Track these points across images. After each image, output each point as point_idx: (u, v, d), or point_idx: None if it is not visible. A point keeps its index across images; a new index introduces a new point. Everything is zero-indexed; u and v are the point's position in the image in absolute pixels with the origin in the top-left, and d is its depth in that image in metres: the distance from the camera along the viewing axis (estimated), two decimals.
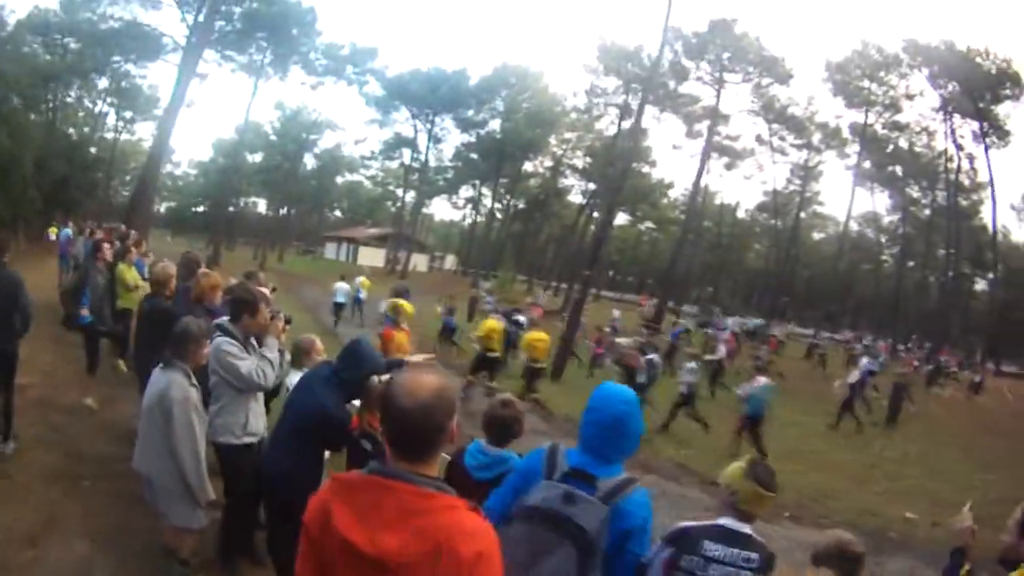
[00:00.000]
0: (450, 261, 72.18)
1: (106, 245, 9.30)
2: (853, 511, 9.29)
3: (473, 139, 55.75)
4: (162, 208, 69.24)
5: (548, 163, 58.65)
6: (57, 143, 29.58)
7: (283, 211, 67.65)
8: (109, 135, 53.19)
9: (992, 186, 37.65)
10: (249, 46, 37.83)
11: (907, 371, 22.08)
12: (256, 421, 4.15)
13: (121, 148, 56.67)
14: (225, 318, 4.27)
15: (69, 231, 17.74)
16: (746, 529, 2.54)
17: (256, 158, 60.76)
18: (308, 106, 57.00)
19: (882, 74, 39.95)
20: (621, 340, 18.11)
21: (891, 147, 42.41)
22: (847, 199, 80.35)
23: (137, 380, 5.90)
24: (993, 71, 34.89)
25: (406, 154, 57.76)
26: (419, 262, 59.56)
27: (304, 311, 19.82)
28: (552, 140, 55.24)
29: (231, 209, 55.79)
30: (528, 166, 58.70)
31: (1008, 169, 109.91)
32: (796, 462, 12.05)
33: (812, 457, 12.81)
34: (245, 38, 36.86)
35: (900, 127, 41.53)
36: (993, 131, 36.46)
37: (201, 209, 68.39)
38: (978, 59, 35.13)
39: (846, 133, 44.08)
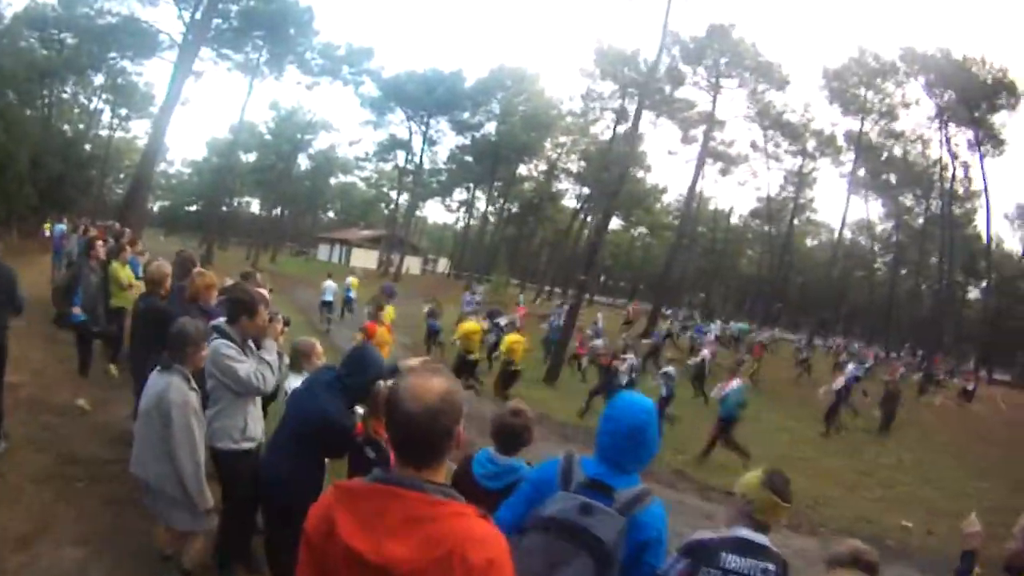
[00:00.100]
0: (443, 264, 72.04)
1: (100, 243, 9.20)
2: (849, 519, 9.30)
3: (468, 142, 55.65)
4: (155, 207, 69.05)
5: (543, 167, 58.65)
6: (52, 140, 29.40)
7: (276, 212, 67.50)
8: (104, 132, 53.07)
9: (987, 195, 37.76)
10: (245, 44, 37.59)
11: (891, 378, 22.23)
12: (255, 425, 4.07)
13: (116, 146, 56.44)
14: (222, 319, 4.18)
15: (63, 227, 17.62)
16: (762, 539, 2.53)
17: (250, 158, 60.50)
18: (303, 106, 57.03)
19: (879, 82, 39.99)
20: (597, 342, 18.29)
21: (886, 155, 42.51)
22: (841, 206, 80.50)
23: (132, 381, 5.81)
24: (989, 80, 34.94)
25: (400, 156, 57.61)
26: (412, 265, 59.51)
27: (297, 312, 19.73)
28: (547, 144, 55.21)
29: (224, 209, 55.58)
30: (523, 169, 58.68)
31: (1002, 178, 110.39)
32: (789, 469, 11.85)
33: (805, 464, 12.83)
34: (242, 36, 36.59)
35: (895, 135, 41.62)
36: (988, 140, 36.52)
37: (194, 208, 68.32)
38: (974, 68, 35.15)
39: (841, 140, 44.16)
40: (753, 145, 47.68)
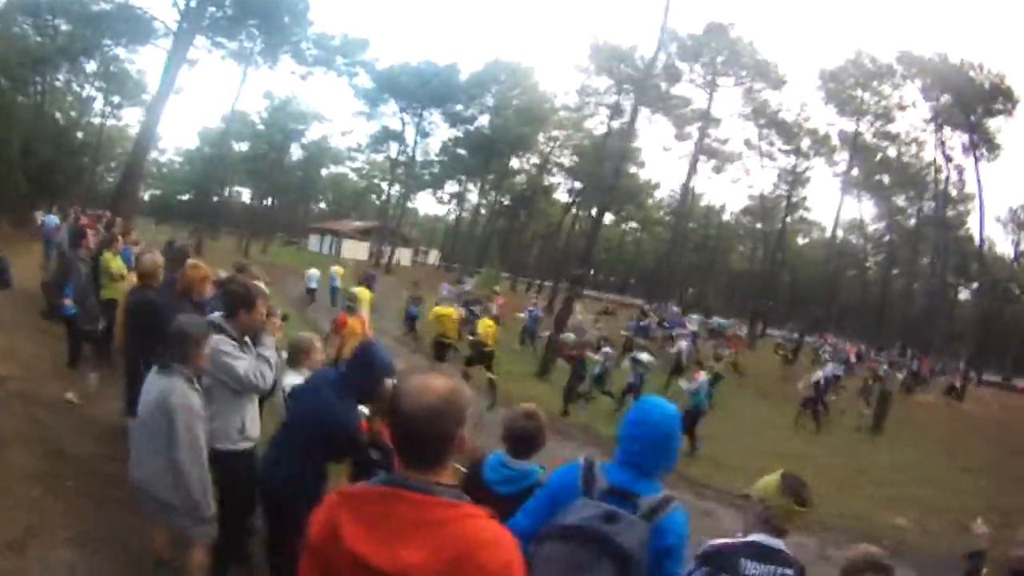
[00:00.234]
0: (433, 256, 71.97)
1: (90, 232, 9.05)
2: (844, 517, 9.28)
3: (461, 134, 55.54)
4: (147, 196, 68.56)
5: (535, 160, 58.59)
6: (45, 127, 29.05)
7: (268, 201, 67.20)
8: (96, 120, 52.74)
9: (981, 198, 37.90)
10: (240, 33, 37.42)
11: (867, 375, 22.65)
12: (253, 425, 3.95)
13: (108, 134, 56.18)
14: (218, 314, 4.03)
15: (55, 218, 17.45)
16: (779, 545, 2.52)
17: (242, 147, 60.25)
18: (296, 96, 56.71)
19: (875, 84, 40.10)
20: (566, 335, 18.32)
21: (880, 156, 42.60)
22: (833, 205, 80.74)
23: (125, 376, 5.68)
24: (986, 85, 35.10)
25: (393, 147, 57.52)
26: (403, 256, 59.35)
27: (288, 304, 19.67)
28: (540, 137, 55.13)
29: (216, 198, 55.31)
30: (515, 163, 58.68)
31: (995, 182, 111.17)
32: (784, 466, 12.00)
33: (798, 462, 12.75)
34: (236, 25, 36.43)
35: (890, 137, 41.74)
36: (984, 144, 36.68)
37: (186, 197, 67.93)
38: (971, 73, 35.34)
39: (835, 141, 44.27)
40: (747, 143, 47.74)
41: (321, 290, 23.40)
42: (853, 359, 31.73)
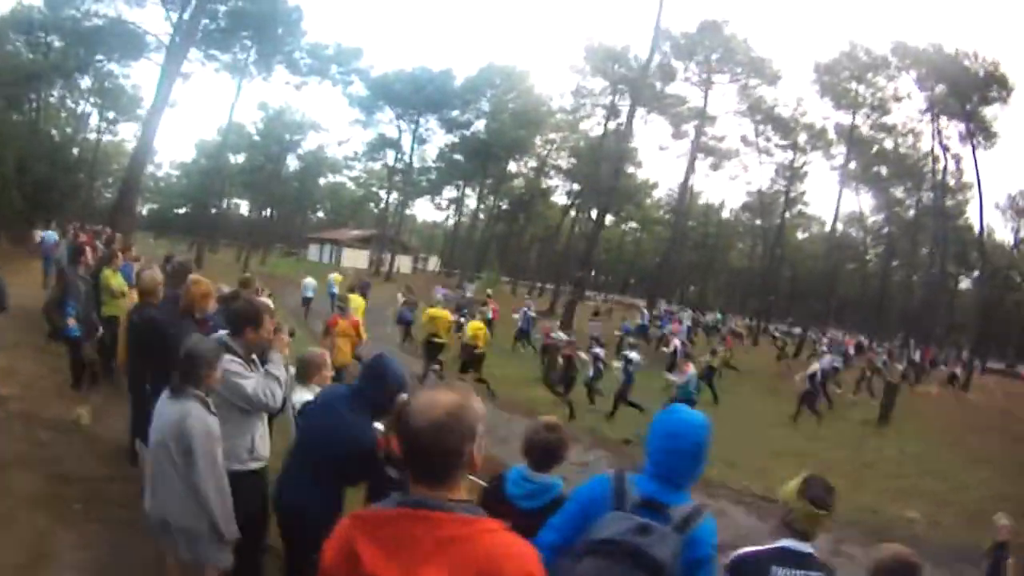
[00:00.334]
0: (433, 262, 71.96)
1: (88, 249, 8.98)
2: (854, 511, 9.24)
3: (458, 140, 55.45)
4: (144, 210, 68.50)
5: (533, 164, 58.63)
6: (40, 144, 29.05)
7: (266, 213, 67.16)
8: (92, 136, 52.65)
9: (979, 187, 37.81)
10: (233, 45, 37.36)
11: (865, 367, 22.73)
12: (263, 444, 3.87)
13: (104, 149, 56.08)
14: (223, 332, 3.95)
15: (54, 234, 17.41)
16: (807, 548, 2.51)
17: (239, 159, 60.13)
18: (291, 106, 56.74)
19: (870, 76, 40.04)
20: (558, 333, 18.62)
21: (877, 148, 42.56)
22: (832, 199, 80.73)
23: (129, 395, 5.62)
24: (981, 74, 35.06)
25: (390, 155, 57.40)
26: (403, 263, 59.38)
27: (288, 315, 19.65)
28: (537, 141, 55.10)
29: (214, 211, 55.23)
30: (513, 167, 58.59)
31: (994, 169, 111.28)
32: (790, 462, 12.03)
33: (806, 457, 12.77)
34: (229, 37, 36.37)
35: (887, 128, 41.67)
36: (980, 133, 36.61)
37: (184, 211, 67.89)
38: (966, 62, 35.31)
39: (832, 134, 44.20)
40: (744, 140, 47.71)
41: (320, 298, 23.56)
42: (852, 351, 31.80)
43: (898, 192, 45.49)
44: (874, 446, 15.19)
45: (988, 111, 36.35)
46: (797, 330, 45.76)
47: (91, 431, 6.63)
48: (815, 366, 17.91)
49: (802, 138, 45.42)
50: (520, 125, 51.39)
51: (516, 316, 23.37)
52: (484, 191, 60.46)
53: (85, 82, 45.23)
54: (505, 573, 1.39)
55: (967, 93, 35.35)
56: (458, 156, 56.36)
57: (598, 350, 15.59)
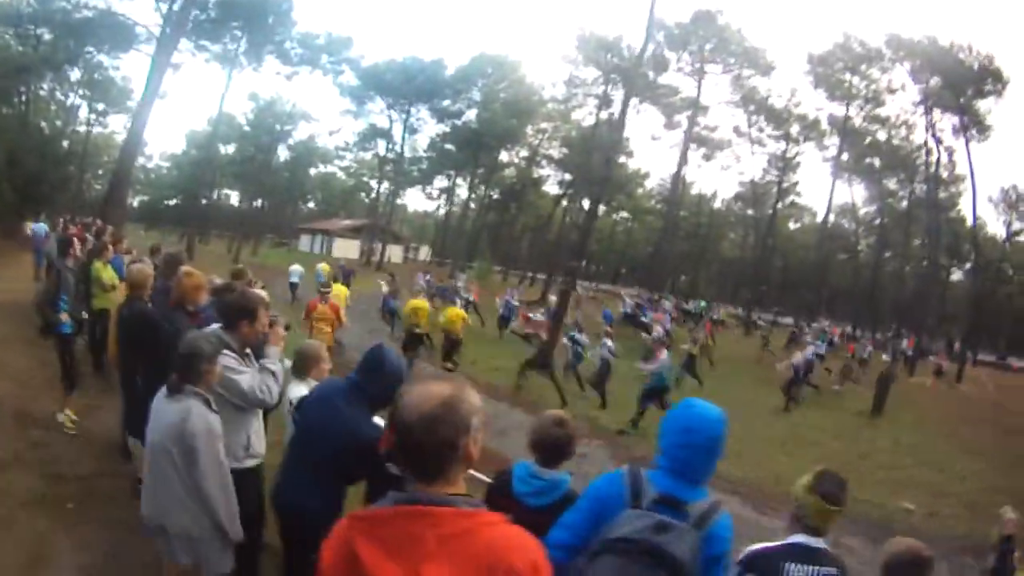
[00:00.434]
0: (424, 252, 71.89)
1: (76, 241, 8.83)
2: (851, 502, 9.19)
3: (449, 129, 55.38)
4: (135, 202, 68.22)
5: (524, 153, 58.59)
6: (30, 137, 28.82)
7: (257, 203, 66.87)
8: (81, 128, 52.52)
9: (973, 179, 37.92)
10: (224, 35, 37.28)
11: (848, 356, 23.49)
12: (259, 441, 3.77)
13: (94, 141, 55.97)
14: (216, 326, 3.81)
15: (44, 227, 17.26)
16: (820, 544, 2.52)
17: (229, 150, 60.09)
18: (282, 97, 56.55)
19: (864, 67, 40.16)
20: (534, 316, 19.27)
21: (870, 139, 42.72)
22: (824, 190, 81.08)
23: (121, 390, 5.51)
24: (975, 67, 35.13)
25: (381, 145, 57.35)
26: (394, 253, 59.37)
27: (279, 304, 19.61)
28: (529, 130, 55.08)
29: (204, 202, 55.00)
30: (504, 156, 58.59)
31: (986, 161, 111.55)
32: (787, 453, 12.08)
33: (803, 448, 12.84)
34: (220, 27, 36.28)
35: (880, 120, 41.83)
36: (974, 126, 36.70)
37: (174, 202, 67.64)
38: (960, 54, 35.38)
39: (825, 125, 44.37)
40: (737, 130, 47.90)
41: (309, 287, 23.43)
42: (836, 340, 32.06)
43: (891, 184, 45.75)
44: (868, 437, 15.27)
45: (982, 104, 36.53)
46: (788, 320, 45.99)
47: (83, 427, 6.52)
48: (798, 355, 17.97)
49: (795, 129, 45.66)
50: (512, 115, 51.30)
51: (497, 301, 23.83)
52: (475, 181, 60.52)
53: (75, 74, 45.18)
54: (513, 564, 1.36)
55: (961, 86, 35.44)
56: (449, 146, 56.35)
57: (577, 334, 16.01)
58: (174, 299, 4.85)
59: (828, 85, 41.74)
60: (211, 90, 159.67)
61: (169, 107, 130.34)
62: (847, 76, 40.96)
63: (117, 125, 55.99)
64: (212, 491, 3.15)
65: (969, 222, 41.37)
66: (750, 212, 53.95)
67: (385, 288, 20.55)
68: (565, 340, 16.09)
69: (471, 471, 1.57)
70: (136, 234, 43.83)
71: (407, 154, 57.70)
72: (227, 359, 3.52)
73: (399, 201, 68.87)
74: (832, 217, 50.34)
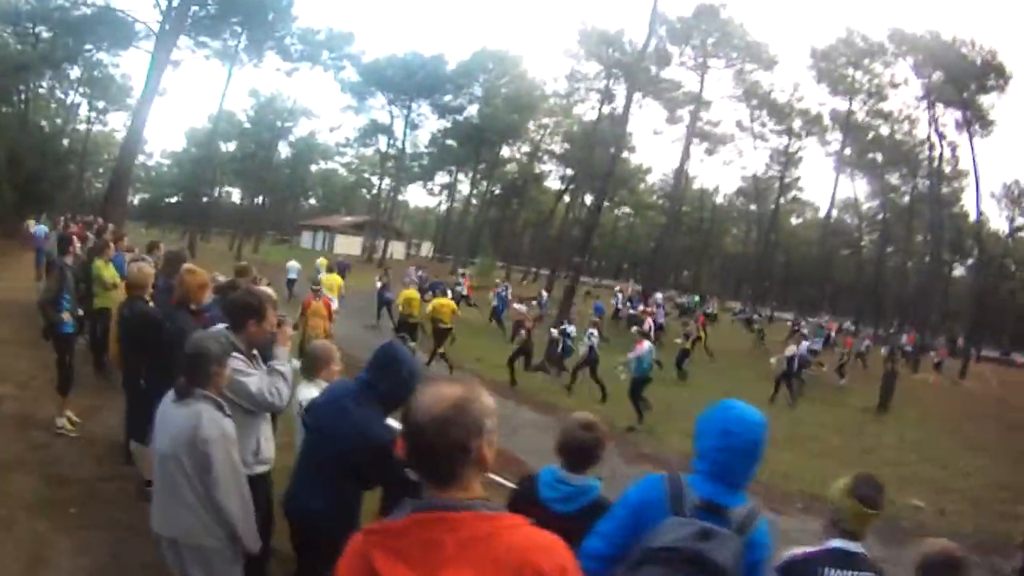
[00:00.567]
0: (426, 248, 71.87)
1: (76, 239, 8.76)
2: None
3: (450, 125, 55.46)
4: (136, 200, 68.18)
5: (526, 148, 58.58)
6: (29, 136, 28.89)
7: (258, 200, 66.83)
8: (81, 127, 52.53)
9: (976, 174, 37.86)
10: (224, 31, 37.16)
11: (843, 351, 23.40)
12: (268, 445, 3.65)
13: (94, 139, 55.95)
14: (222, 326, 3.65)
15: (45, 227, 17.24)
16: (857, 548, 2.46)
17: (230, 147, 60.15)
18: (282, 93, 56.50)
19: (867, 62, 40.10)
20: (517, 306, 19.28)
21: (872, 134, 42.65)
22: (827, 185, 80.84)
23: (123, 390, 5.44)
24: (979, 62, 35.06)
25: (382, 141, 57.49)
26: (396, 249, 59.38)
27: (282, 302, 19.59)
28: (530, 125, 55.14)
29: (205, 199, 54.98)
30: (506, 151, 58.82)
31: (989, 156, 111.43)
32: (792, 450, 12.00)
33: (808, 444, 12.75)
34: (220, 23, 36.17)
35: (883, 115, 41.76)
36: (977, 121, 36.61)
37: (175, 200, 67.60)
38: (963, 49, 35.33)
39: (827, 120, 44.32)
40: (739, 125, 47.87)
41: (304, 283, 23.52)
42: (833, 335, 32.00)
43: (893, 179, 45.70)
44: (873, 432, 15.18)
45: (985, 99, 36.51)
46: (786, 315, 45.89)
47: (85, 429, 6.44)
48: (792, 349, 17.92)
49: (797, 124, 45.67)
50: (513, 110, 51.37)
51: (490, 295, 24.28)
52: (477, 176, 60.62)
53: (74, 72, 45.18)
54: (540, 567, 1.31)
55: (964, 81, 35.40)
56: (451, 141, 56.44)
57: (568, 328, 16.46)
58: (177, 298, 4.74)
59: (831, 80, 41.68)
60: (211, 87, 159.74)
61: (169, 104, 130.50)
62: (850, 71, 40.92)
63: (117, 123, 56.11)
64: (228, 501, 2.99)
65: (972, 217, 41.44)
66: (753, 207, 53.93)
67: (379, 283, 20.89)
68: (555, 333, 16.47)
69: (492, 475, 1.49)
70: (137, 232, 43.76)
71: (408, 150, 57.93)
72: (235, 361, 3.38)
73: (400, 197, 69.13)
74: (835, 212, 50.40)
